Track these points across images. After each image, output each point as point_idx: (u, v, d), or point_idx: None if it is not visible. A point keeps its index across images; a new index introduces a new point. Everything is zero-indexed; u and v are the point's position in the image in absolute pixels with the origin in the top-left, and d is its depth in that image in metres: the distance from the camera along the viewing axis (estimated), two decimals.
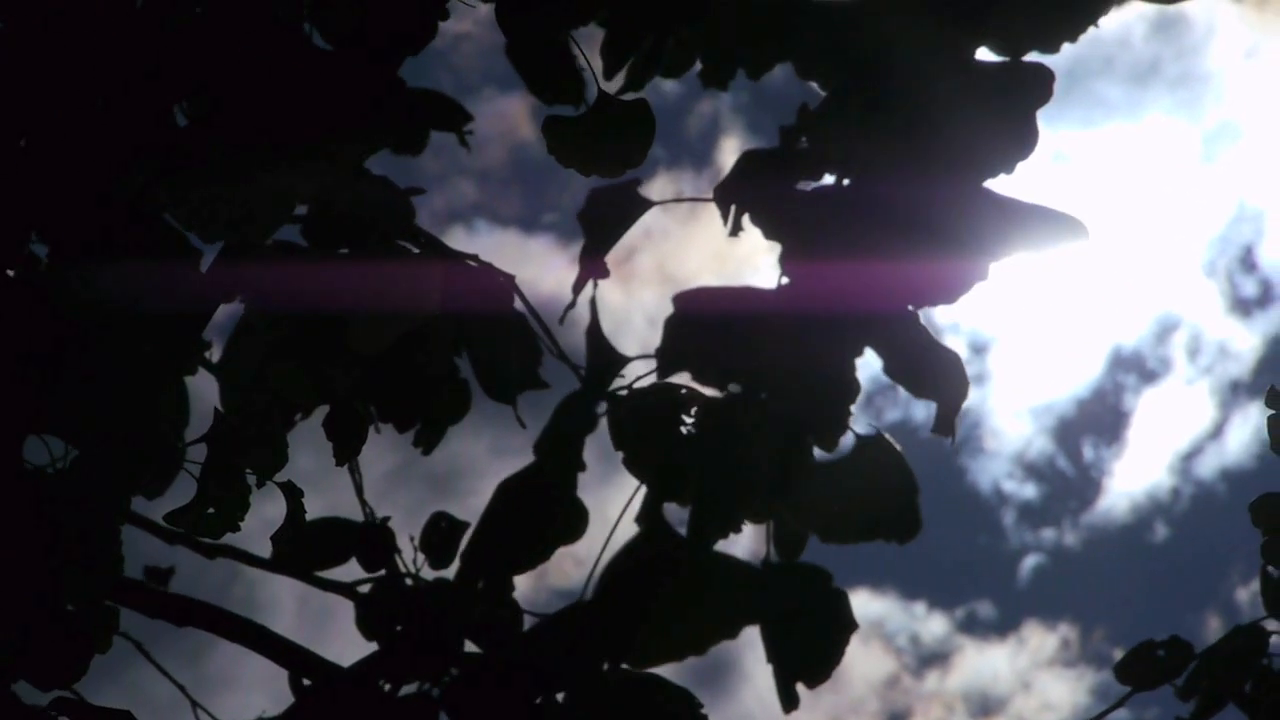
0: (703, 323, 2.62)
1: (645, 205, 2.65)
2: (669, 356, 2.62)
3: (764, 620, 2.67)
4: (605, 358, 2.67)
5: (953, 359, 2.62)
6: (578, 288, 2.64)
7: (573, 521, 2.67)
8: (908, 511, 2.66)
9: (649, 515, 2.65)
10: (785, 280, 2.58)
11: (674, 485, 2.63)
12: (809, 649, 2.66)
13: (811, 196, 2.60)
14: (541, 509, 2.65)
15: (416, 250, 2.68)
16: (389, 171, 2.72)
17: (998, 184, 2.55)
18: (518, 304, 2.76)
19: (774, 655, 2.67)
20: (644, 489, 2.64)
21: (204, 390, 2.68)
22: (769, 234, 2.59)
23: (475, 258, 2.72)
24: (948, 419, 2.63)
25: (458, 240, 2.71)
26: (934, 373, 2.62)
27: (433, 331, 2.73)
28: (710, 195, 2.61)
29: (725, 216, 2.61)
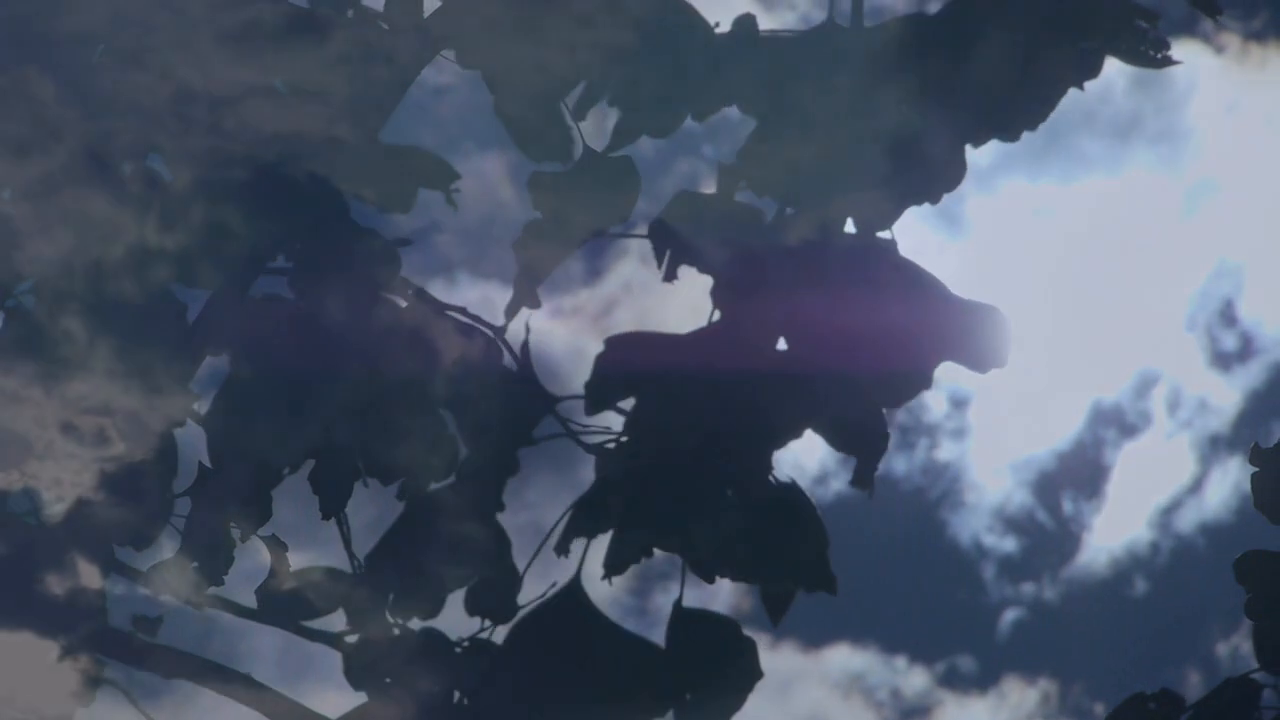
0: (630, 365, 2.66)
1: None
2: (596, 394, 2.66)
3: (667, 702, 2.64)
4: (529, 399, 2.71)
5: (873, 414, 2.60)
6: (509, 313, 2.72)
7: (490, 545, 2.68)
8: (818, 562, 2.62)
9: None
10: (717, 315, 2.63)
11: (593, 518, 2.65)
12: (711, 700, 2.60)
13: (746, 245, 2.65)
14: (461, 530, 2.67)
15: (404, 303, 2.75)
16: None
17: (922, 213, 2.59)
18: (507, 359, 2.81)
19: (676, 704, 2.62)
20: (562, 524, 2.66)
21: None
22: (704, 270, 2.65)
23: (463, 310, 2.76)
24: (866, 473, 2.61)
25: (439, 294, 2.79)
26: (852, 428, 2.61)
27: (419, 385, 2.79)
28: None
29: (660, 259, 2.67)
